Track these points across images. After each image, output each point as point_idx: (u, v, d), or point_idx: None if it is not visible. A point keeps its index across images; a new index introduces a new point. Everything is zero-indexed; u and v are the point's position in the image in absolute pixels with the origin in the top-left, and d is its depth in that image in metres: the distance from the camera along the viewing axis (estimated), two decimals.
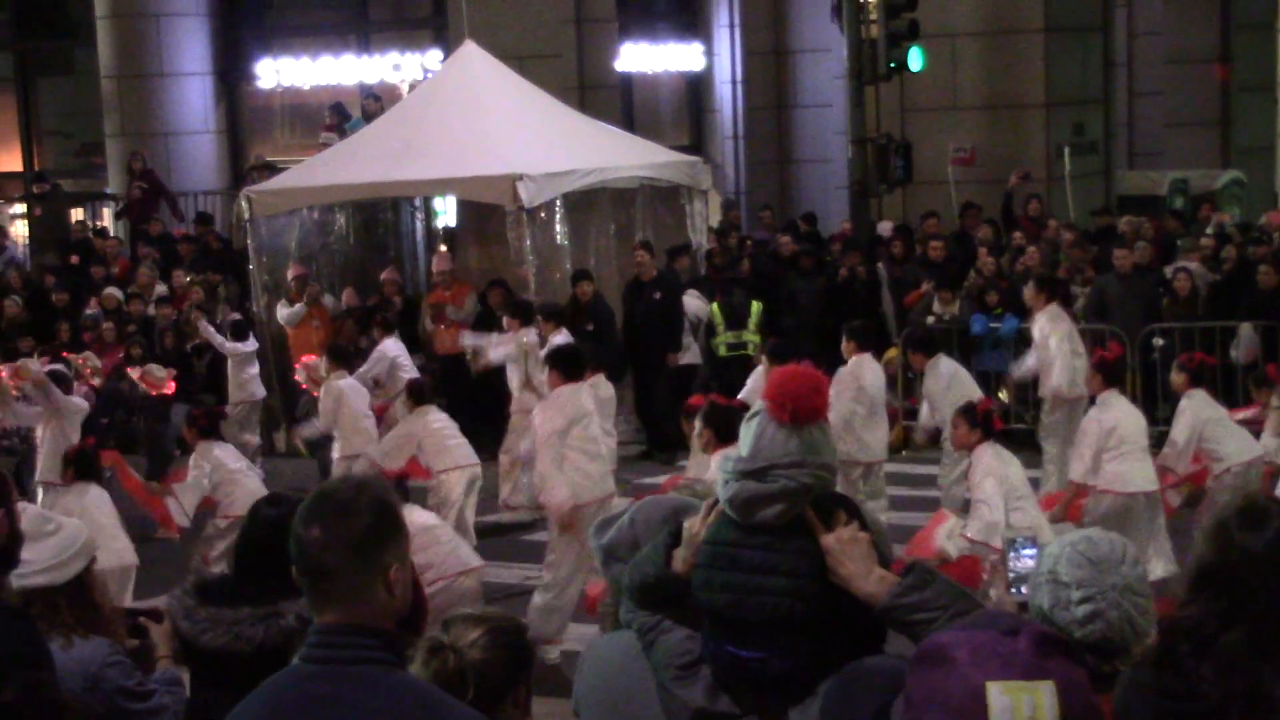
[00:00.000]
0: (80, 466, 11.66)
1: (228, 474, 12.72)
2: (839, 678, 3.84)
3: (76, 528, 5.24)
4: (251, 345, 18.00)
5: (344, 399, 14.75)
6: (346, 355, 15.66)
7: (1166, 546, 12.12)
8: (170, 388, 16.88)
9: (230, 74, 26.13)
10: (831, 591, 3.88)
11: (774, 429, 3.98)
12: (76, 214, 25.66)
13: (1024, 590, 4.21)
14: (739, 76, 26.89)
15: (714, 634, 4.00)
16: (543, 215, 17.95)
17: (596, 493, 11.65)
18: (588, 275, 18.22)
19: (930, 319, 17.95)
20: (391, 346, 16.90)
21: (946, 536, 10.81)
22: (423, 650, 4.05)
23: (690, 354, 18.35)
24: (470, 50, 19.20)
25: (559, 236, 18.42)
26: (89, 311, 19.86)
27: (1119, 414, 12.28)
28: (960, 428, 11.30)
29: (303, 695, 3.62)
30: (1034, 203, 21.31)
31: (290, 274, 19.00)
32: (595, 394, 12.82)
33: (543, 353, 13.94)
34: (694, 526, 4.09)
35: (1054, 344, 15.09)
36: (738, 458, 4.03)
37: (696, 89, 27.19)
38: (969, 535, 10.68)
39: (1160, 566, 11.75)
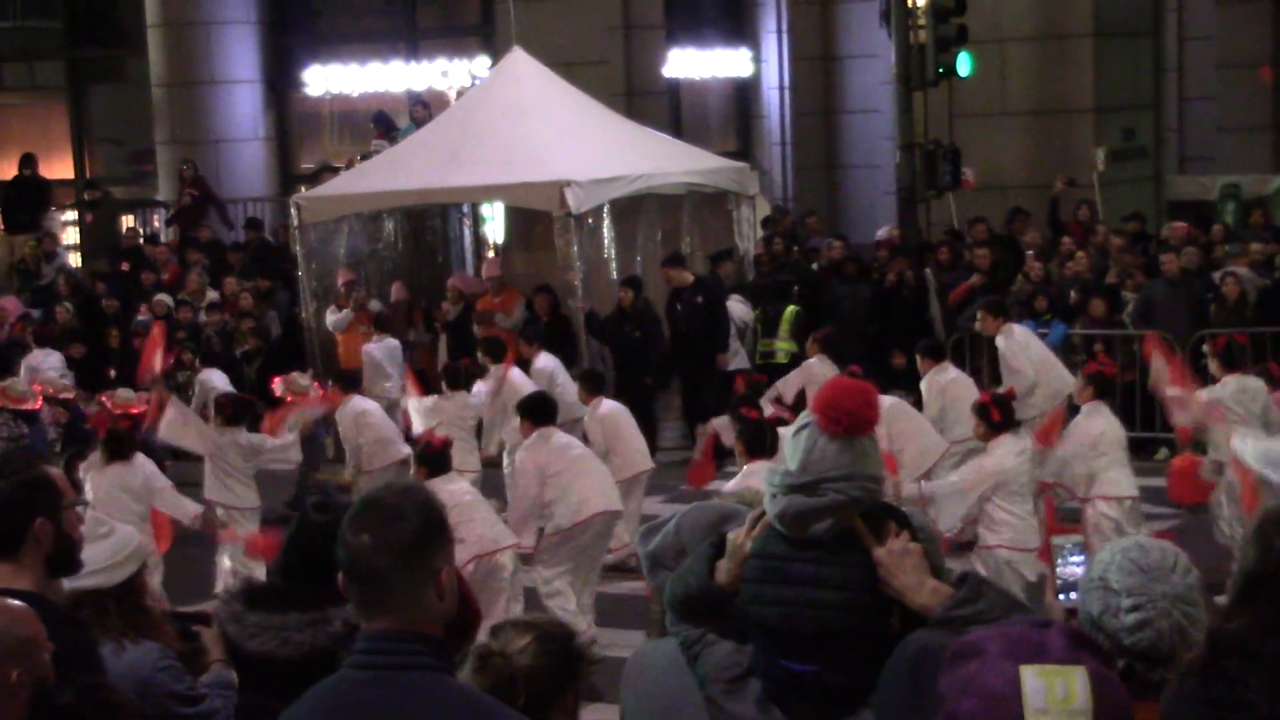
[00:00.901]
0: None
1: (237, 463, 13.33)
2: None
3: (128, 532, 5.27)
4: None
5: (361, 420, 14.94)
6: (356, 379, 15.69)
7: None
8: (135, 409, 16.87)
9: (279, 81, 26.24)
10: (883, 604, 3.87)
11: (825, 441, 3.96)
12: (127, 221, 25.82)
13: (1072, 596, 4.19)
14: (787, 82, 26.84)
15: (765, 648, 3.98)
16: (590, 221, 17.99)
17: (600, 506, 11.85)
18: (634, 281, 18.25)
19: (976, 324, 17.87)
20: (375, 350, 17.53)
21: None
22: (473, 657, 4.06)
23: (739, 359, 18.30)
24: (518, 57, 19.24)
25: (606, 242, 18.46)
26: (139, 318, 19.96)
27: (1104, 423, 12.41)
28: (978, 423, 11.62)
29: (351, 701, 3.63)
30: (1083, 208, 21.20)
31: (340, 279, 19.09)
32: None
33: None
34: (739, 538, 4.07)
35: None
36: (785, 471, 4.00)
37: (744, 95, 27.16)
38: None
39: None
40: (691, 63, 25.99)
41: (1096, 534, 11.93)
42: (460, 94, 23.12)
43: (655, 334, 17.96)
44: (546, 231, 17.90)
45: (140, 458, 12.55)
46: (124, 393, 16.37)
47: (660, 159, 19.04)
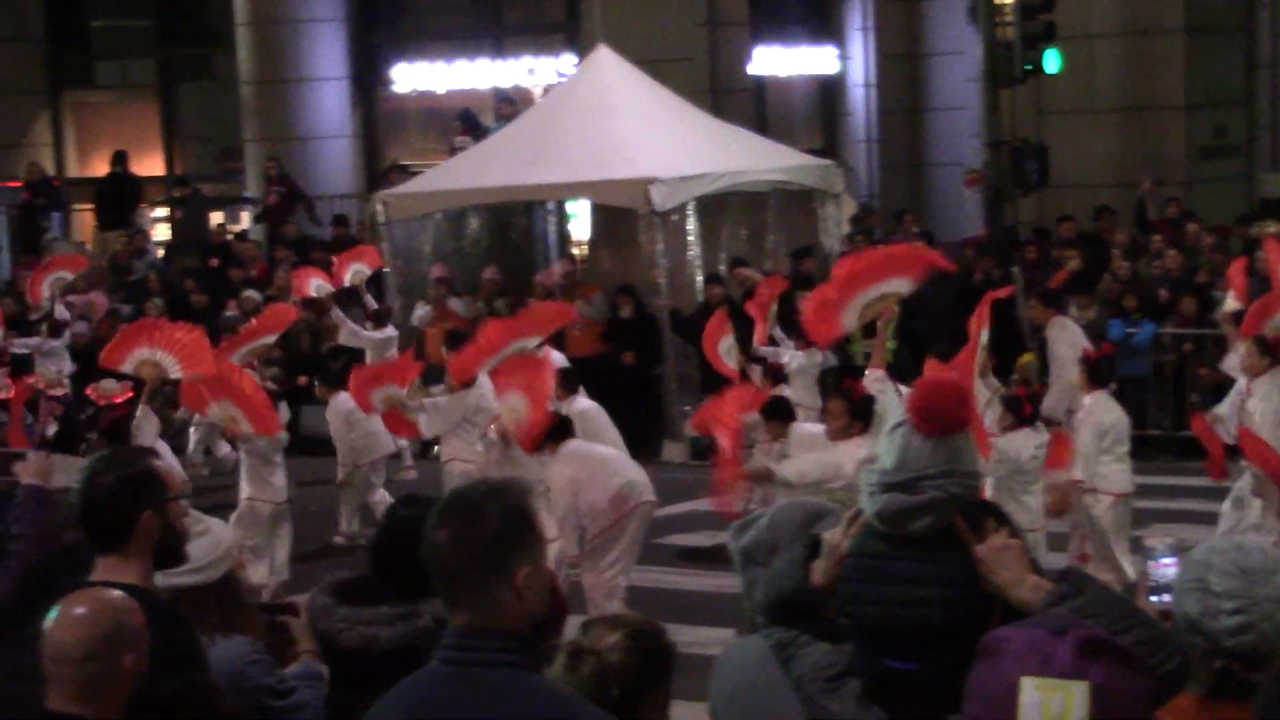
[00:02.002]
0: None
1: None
2: None
3: (224, 529, 5.31)
4: (390, 332, 18.02)
5: (351, 416, 15.09)
6: (340, 377, 15.72)
7: (1125, 549, 12.14)
8: (119, 399, 17.02)
9: (366, 78, 26.40)
10: (984, 600, 3.84)
11: (919, 440, 3.94)
12: (216, 217, 26.07)
13: (1165, 598, 4.15)
14: (873, 79, 26.71)
15: (865, 647, 3.96)
16: (674, 219, 17.98)
17: (641, 496, 11.76)
18: (719, 278, 18.24)
19: (1028, 311, 17.73)
20: (380, 338, 17.76)
21: None
22: (563, 654, 4.05)
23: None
24: (603, 54, 19.27)
25: (691, 240, 18.43)
26: (228, 314, 20.13)
27: (1112, 414, 12.40)
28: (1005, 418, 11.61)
29: (438, 697, 3.64)
30: (1173, 205, 20.99)
31: (433, 275, 19.20)
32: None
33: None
34: (835, 538, 4.05)
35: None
36: (882, 469, 3.99)
37: (830, 92, 27.06)
38: None
39: (1127, 565, 11.88)
40: (777, 60, 25.92)
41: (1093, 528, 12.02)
42: (546, 91, 23.18)
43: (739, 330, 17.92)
44: (632, 229, 17.92)
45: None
46: (108, 383, 16.59)
47: (745, 156, 19.00)
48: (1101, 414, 12.35)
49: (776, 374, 14.86)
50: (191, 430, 17.81)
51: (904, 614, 3.86)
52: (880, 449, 4.05)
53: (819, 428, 11.83)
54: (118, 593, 4.26)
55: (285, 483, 13.66)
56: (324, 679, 4.86)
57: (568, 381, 14.31)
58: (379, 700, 3.78)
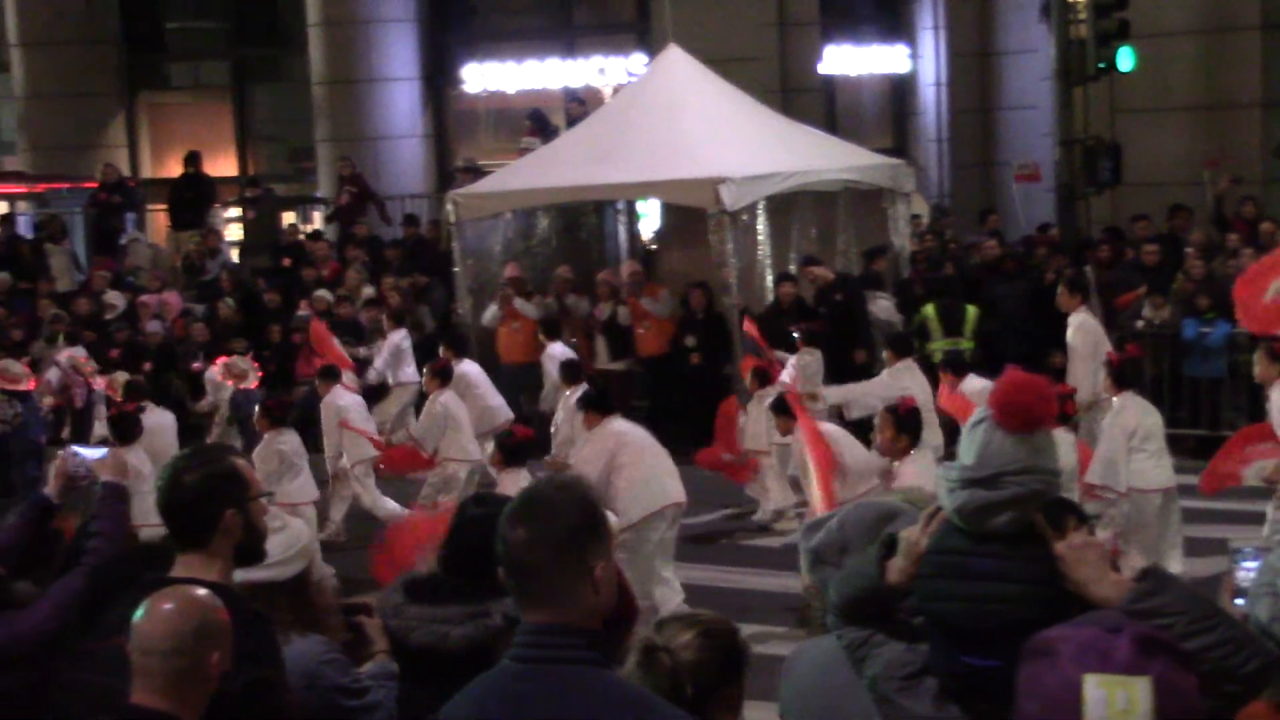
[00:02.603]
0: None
1: (289, 461, 13.54)
2: None
3: (300, 527, 5.32)
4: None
5: (343, 413, 15.30)
6: (336, 372, 15.83)
7: (1177, 546, 12.11)
8: (254, 383, 17.18)
9: (437, 78, 26.51)
10: (1065, 598, 3.82)
11: (1000, 436, 3.94)
12: (288, 217, 26.23)
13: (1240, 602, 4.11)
14: (943, 79, 26.61)
15: (944, 645, 3.95)
16: (744, 218, 17.95)
17: (659, 501, 11.72)
18: (790, 277, 18.21)
19: (1139, 323, 17.61)
20: (399, 338, 17.90)
21: None
22: (636, 652, 4.06)
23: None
24: (673, 54, 19.27)
25: (760, 239, 18.40)
26: (300, 313, 20.26)
27: (1137, 414, 12.25)
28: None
29: (510, 695, 3.65)
30: (1249, 204, 20.77)
31: (505, 275, 19.27)
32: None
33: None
34: (914, 536, 4.04)
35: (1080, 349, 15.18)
36: (962, 465, 3.98)
37: (900, 91, 26.97)
38: None
39: (1174, 565, 11.75)
40: (847, 59, 25.86)
41: (1131, 527, 11.91)
42: (616, 91, 23.20)
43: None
44: (701, 228, 17.89)
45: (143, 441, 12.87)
46: (122, 375, 16.81)
47: (815, 156, 18.96)
48: (1127, 416, 12.23)
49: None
50: (214, 428, 17.98)
51: (985, 611, 3.85)
52: (961, 445, 4.05)
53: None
54: (204, 590, 4.29)
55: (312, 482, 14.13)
56: (397, 678, 4.88)
57: (570, 373, 14.82)
58: (451, 699, 3.79)
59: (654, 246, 21.34)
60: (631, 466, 11.64)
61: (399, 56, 26.05)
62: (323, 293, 20.55)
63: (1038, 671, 3.39)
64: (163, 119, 29.88)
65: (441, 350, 16.38)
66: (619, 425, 11.97)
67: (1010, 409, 3.94)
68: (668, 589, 11.72)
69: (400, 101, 26.15)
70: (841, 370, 18.07)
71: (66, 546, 6.38)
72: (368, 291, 20.71)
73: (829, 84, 25.41)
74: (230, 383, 17.07)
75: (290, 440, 13.77)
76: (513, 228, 20.02)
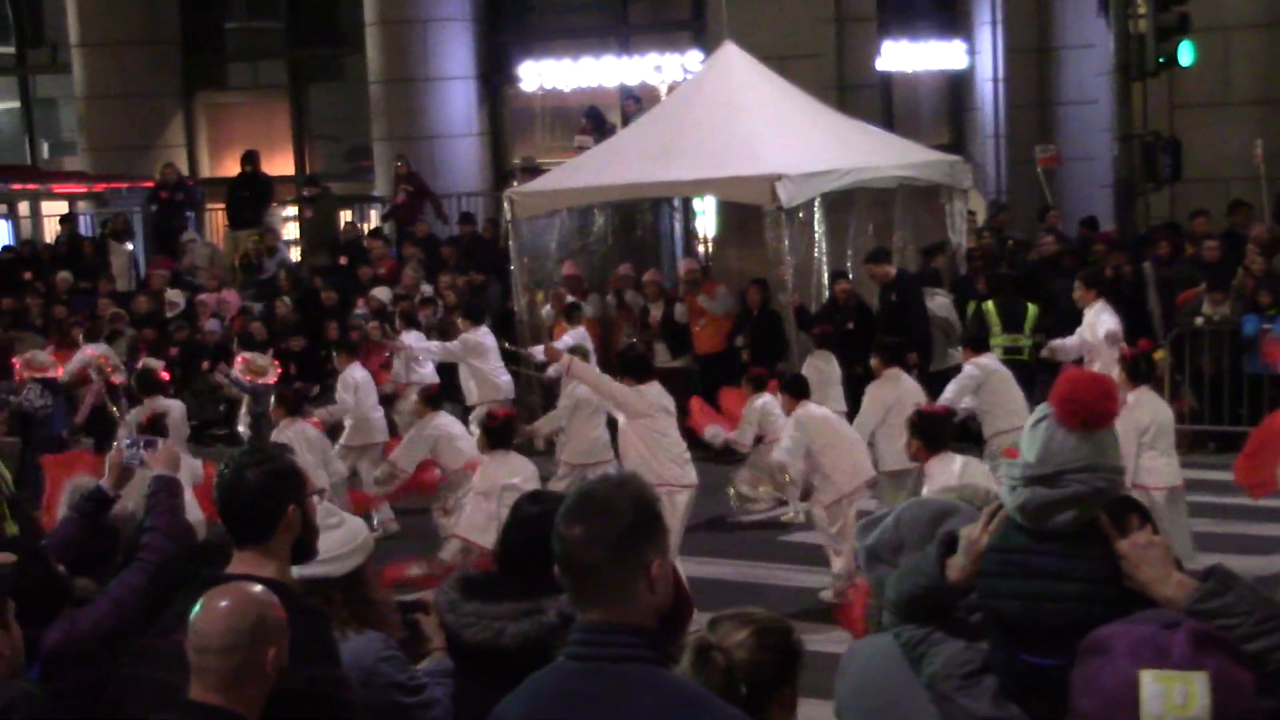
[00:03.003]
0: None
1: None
2: None
3: (358, 524, 5.33)
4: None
5: (359, 390, 15.79)
6: (356, 348, 16.23)
7: (1187, 543, 11.96)
8: (272, 379, 17.32)
9: (493, 77, 26.58)
10: (1126, 597, 3.79)
11: (1063, 434, 3.91)
12: (345, 216, 26.36)
13: None
14: (1001, 74, 26.47)
15: (1005, 643, 3.93)
16: (801, 215, 17.91)
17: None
18: (845, 275, 18.15)
19: (1199, 320, 17.47)
20: (412, 339, 17.84)
21: None
22: (691, 651, 4.05)
23: (948, 359, 17.93)
24: (729, 51, 19.22)
25: (817, 236, 18.36)
26: (357, 311, 20.35)
27: (1150, 411, 12.21)
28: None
29: (566, 692, 3.65)
30: None
31: (563, 273, 19.30)
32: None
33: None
34: (974, 534, 4.01)
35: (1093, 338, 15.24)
36: (1024, 463, 3.95)
37: (957, 87, 26.85)
38: None
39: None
40: (904, 55, 25.77)
41: None
42: (671, 88, 23.19)
43: (867, 326, 17.83)
44: (758, 226, 17.85)
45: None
46: (259, 358, 17.03)
47: (872, 152, 18.88)
48: (1141, 412, 12.13)
49: None
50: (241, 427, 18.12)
51: (1047, 609, 3.83)
52: (1023, 443, 4.03)
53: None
54: (260, 586, 4.31)
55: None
56: (453, 676, 4.88)
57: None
58: (506, 696, 3.79)
59: (705, 246, 21.30)
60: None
61: (455, 55, 26.13)
62: (379, 291, 20.63)
63: (1093, 669, 3.37)
64: (221, 119, 30.08)
65: (460, 321, 17.01)
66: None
67: (1071, 406, 3.91)
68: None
69: (457, 100, 26.23)
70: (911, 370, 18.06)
71: (126, 542, 6.40)
72: (425, 289, 20.77)
73: (886, 80, 25.32)
74: (248, 378, 17.34)
75: (303, 430, 14.12)
76: (569, 226, 20.04)
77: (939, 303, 18.31)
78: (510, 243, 19.48)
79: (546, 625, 4.56)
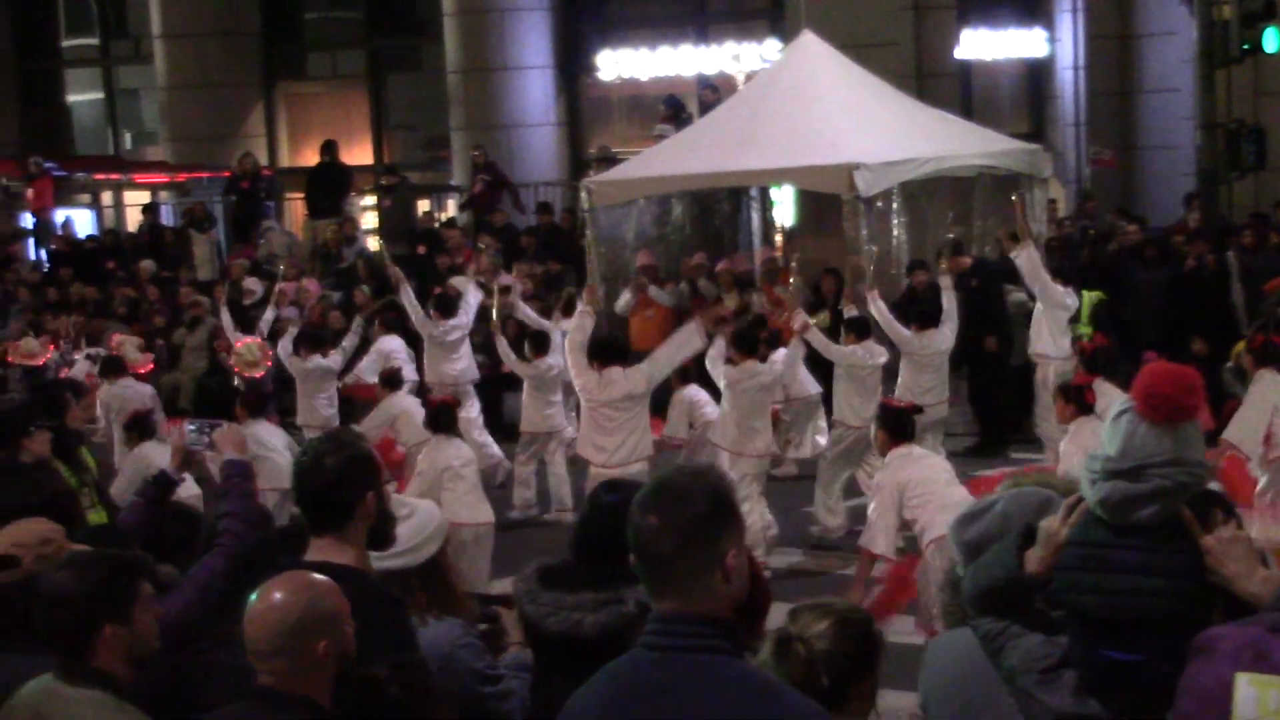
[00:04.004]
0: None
1: (263, 449, 13.49)
2: None
3: (430, 510, 5.34)
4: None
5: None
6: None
7: None
8: (260, 372, 17.29)
9: (570, 66, 26.60)
10: (1208, 593, 3.74)
11: (1145, 428, 3.87)
12: (423, 205, 26.45)
13: None
14: (1082, 62, 26.23)
15: (1084, 638, 3.89)
16: (879, 204, 17.82)
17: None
18: (923, 265, 18.04)
19: None
20: (390, 344, 17.88)
21: None
22: (771, 642, 4.04)
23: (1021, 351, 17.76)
24: (807, 39, 19.15)
25: (895, 226, 18.26)
26: None
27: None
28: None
29: (642, 682, 3.64)
30: None
31: (638, 262, 19.29)
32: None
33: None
34: (1053, 526, 3.97)
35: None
36: (1105, 457, 3.91)
37: (1037, 75, 26.63)
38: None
39: None
40: (984, 43, 25.58)
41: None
42: (749, 77, 23.12)
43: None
44: (836, 215, 17.77)
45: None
46: (250, 349, 17.06)
47: (951, 141, 18.76)
48: (1265, 389, 12.17)
49: None
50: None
51: (1127, 604, 3.79)
52: (1104, 436, 3.98)
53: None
54: (316, 577, 4.29)
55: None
56: (531, 670, 4.89)
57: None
58: (583, 686, 3.79)
59: (783, 235, 21.20)
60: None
61: (533, 45, 26.17)
62: (456, 280, 20.65)
63: (1196, 669, 3.33)
64: (300, 108, 30.28)
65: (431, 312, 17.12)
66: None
67: (1154, 400, 3.86)
68: None
69: (534, 89, 26.27)
70: (973, 358, 17.95)
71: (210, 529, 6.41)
72: (504, 279, 20.76)
73: (965, 68, 25.15)
74: (238, 370, 17.42)
75: (259, 430, 13.86)
76: (646, 215, 20.03)
77: (1014, 300, 18.17)
78: (587, 232, 19.49)
79: (626, 615, 4.55)
